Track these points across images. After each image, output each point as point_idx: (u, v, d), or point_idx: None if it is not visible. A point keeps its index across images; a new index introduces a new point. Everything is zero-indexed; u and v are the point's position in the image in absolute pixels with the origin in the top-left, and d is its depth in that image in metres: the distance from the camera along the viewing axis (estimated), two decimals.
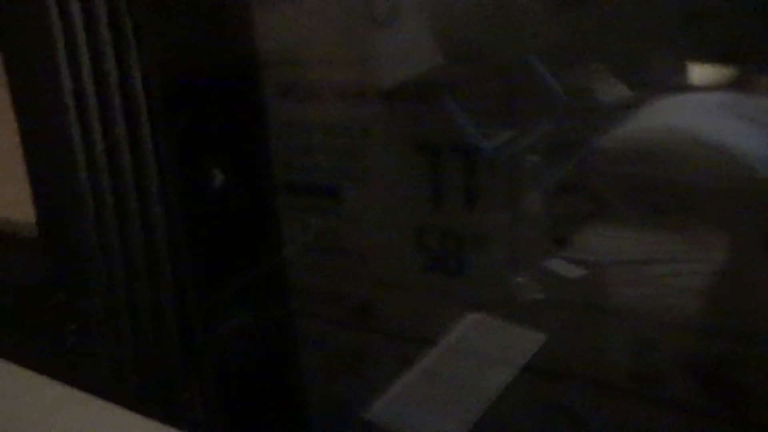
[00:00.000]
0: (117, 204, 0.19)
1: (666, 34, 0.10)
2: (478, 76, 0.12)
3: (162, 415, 0.20)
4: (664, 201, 0.11)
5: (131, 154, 0.18)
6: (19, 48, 0.20)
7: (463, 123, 0.12)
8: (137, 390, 0.21)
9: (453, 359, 0.14)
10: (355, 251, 0.15)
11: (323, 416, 0.17)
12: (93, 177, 0.19)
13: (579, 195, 0.12)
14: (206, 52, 0.15)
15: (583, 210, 0.12)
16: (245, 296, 0.18)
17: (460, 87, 0.12)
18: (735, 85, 0.10)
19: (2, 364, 0.24)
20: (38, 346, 0.23)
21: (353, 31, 0.13)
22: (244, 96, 0.15)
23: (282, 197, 0.15)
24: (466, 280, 0.13)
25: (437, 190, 0.13)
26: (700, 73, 0.11)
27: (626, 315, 0.11)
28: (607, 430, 0.12)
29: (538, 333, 0.13)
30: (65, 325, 0.22)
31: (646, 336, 0.12)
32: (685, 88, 0.11)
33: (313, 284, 0.16)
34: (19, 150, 0.23)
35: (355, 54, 0.13)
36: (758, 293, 0.10)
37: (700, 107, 0.11)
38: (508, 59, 0.11)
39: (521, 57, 0.11)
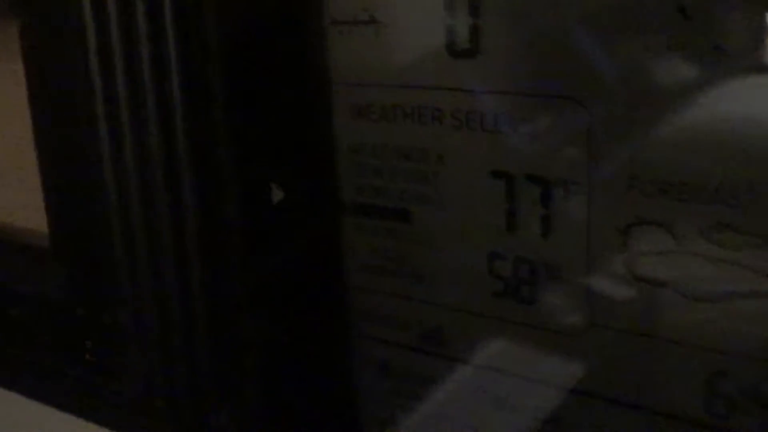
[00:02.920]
0: (146, 213, 0.22)
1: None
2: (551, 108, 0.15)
3: None
4: (735, 233, 0.14)
5: (165, 158, 0.21)
6: (39, 34, 0.22)
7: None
8: (163, 413, 0.23)
9: (518, 386, 0.17)
10: (424, 275, 0.18)
11: None
12: (120, 182, 0.22)
13: (651, 226, 0.15)
14: (276, 65, 0.18)
15: (657, 242, 0.15)
16: (296, 316, 0.20)
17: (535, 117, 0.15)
18: None
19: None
20: (51, 366, 0.25)
21: (434, 61, 0.16)
22: (312, 112, 0.18)
23: (348, 218, 0.18)
24: (537, 307, 0.16)
25: (511, 218, 0.16)
26: None
27: (701, 347, 0.14)
28: None
29: (607, 361, 0.16)
30: (82, 343, 0.25)
31: (717, 368, 0.14)
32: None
33: (377, 307, 0.18)
34: (30, 151, 0.25)
35: (434, 82, 0.16)
36: None
37: None
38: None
39: None
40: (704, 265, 0.14)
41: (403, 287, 0.18)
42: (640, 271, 0.15)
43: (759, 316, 0.14)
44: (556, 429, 0.16)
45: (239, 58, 0.17)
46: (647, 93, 0.14)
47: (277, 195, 0.18)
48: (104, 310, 0.23)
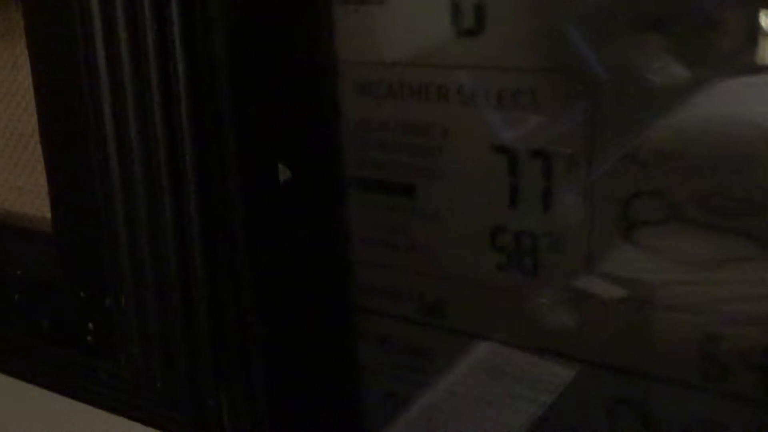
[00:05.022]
0: (149, 198, 0.22)
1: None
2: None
3: (187, 422, 0.23)
4: (729, 201, 0.15)
5: (168, 140, 0.21)
6: (43, 16, 0.23)
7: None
8: (162, 396, 0.24)
9: (517, 356, 0.18)
10: (426, 248, 0.18)
11: (379, 422, 0.20)
12: (123, 165, 0.22)
13: (649, 197, 0.15)
14: (282, 43, 0.18)
15: (655, 212, 0.15)
16: (298, 292, 0.21)
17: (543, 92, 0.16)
18: None
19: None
20: (52, 350, 0.25)
21: (440, 39, 0.16)
22: (318, 90, 0.18)
23: (352, 193, 0.19)
24: (539, 279, 0.17)
25: (513, 191, 0.17)
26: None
27: (696, 312, 0.15)
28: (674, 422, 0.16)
29: (606, 329, 0.17)
30: (84, 326, 0.25)
31: (711, 332, 0.15)
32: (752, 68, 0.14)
33: (378, 280, 0.19)
34: (34, 136, 0.25)
35: (440, 60, 0.16)
36: None
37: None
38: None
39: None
40: (700, 232, 0.15)
41: (406, 260, 0.18)
42: (639, 241, 0.15)
43: (752, 282, 0.14)
44: (556, 397, 0.17)
45: (245, 35, 0.18)
46: (644, 69, 0.15)
47: (284, 174, 0.18)
48: (107, 294, 0.23)
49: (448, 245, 0.17)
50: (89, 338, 0.24)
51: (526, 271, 0.17)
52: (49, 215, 0.24)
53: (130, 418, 0.24)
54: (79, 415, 0.27)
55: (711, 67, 0.14)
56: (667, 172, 0.15)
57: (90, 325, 0.24)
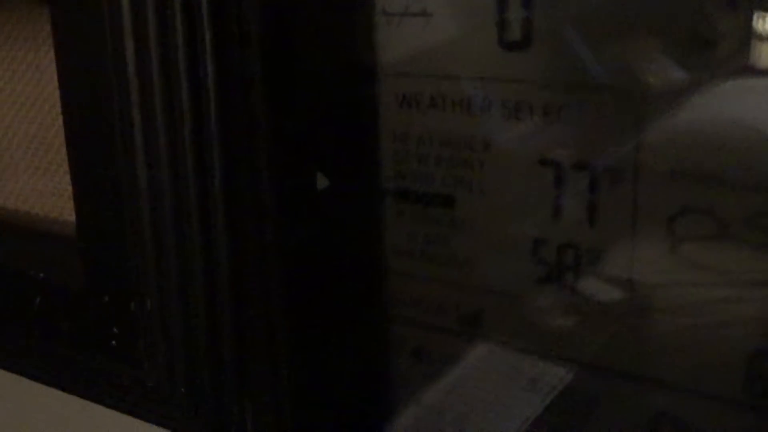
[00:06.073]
0: (176, 203, 0.22)
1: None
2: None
3: (209, 428, 0.23)
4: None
5: (197, 147, 0.21)
6: (72, 20, 0.22)
7: None
8: (185, 402, 0.24)
9: (554, 368, 0.18)
10: (465, 260, 0.18)
11: None
12: (152, 172, 0.22)
13: (696, 213, 0.15)
14: (323, 58, 0.18)
15: (701, 228, 0.15)
16: (331, 302, 0.21)
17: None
18: None
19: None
20: (74, 355, 0.25)
21: (485, 52, 0.16)
22: (358, 102, 0.18)
23: (390, 204, 0.18)
24: (580, 292, 0.17)
25: (557, 205, 0.17)
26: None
27: (743, 328, 0.15)
28: None
29: (648, 344, 0.17)
30: (108, 331, 0.25)
31: (758, 349, 0.15)
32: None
33: (414, 291, 0.19)
34: (57, 139, 0.25)
35: (484, 72, 0.16)
36: None
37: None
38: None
39: None
40: (748, 250, 0.15)
41: (443, 272, 0.18)
42: (684, 256, 0.15)
43: None
44: (593, 410, 0.17)
45: (283, 48, 0.17)
46: (691, 85, 0.15)
47: (323, 182, 0.18)
48: (131, 298, 0.23)
49: (487, 257, 0.17)
50: (113, 342, 0.24)
51: (567, 285, 0.17)
52: (72, 219, 0.24)
53: (152, 422, 0.24)
54: (101, 419, 0.27)
55: (751, 87, 0.14)
56: (714, 189, 0.15)
57: (114, 329, 0.24)
